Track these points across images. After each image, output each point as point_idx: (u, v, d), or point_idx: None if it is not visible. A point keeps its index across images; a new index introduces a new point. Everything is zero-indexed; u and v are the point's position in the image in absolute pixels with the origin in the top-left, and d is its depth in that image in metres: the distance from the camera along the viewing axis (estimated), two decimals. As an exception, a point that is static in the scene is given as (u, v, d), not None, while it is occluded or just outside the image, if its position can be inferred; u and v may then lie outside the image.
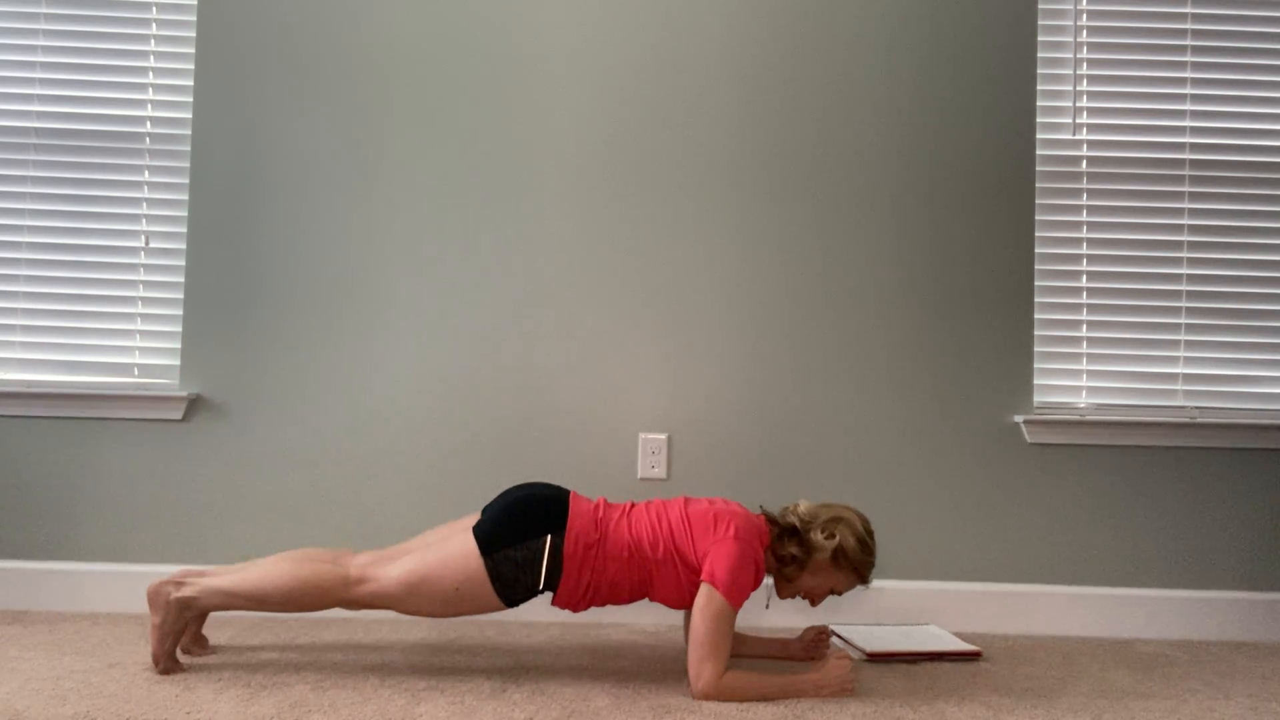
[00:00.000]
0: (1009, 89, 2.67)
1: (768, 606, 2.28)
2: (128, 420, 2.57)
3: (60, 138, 2.65)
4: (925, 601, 2.57)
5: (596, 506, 2.00)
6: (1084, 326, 2.68)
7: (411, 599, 1.92)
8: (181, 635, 1.99)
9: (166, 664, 1.94)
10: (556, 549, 1.91)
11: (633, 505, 2.03)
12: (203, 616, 2.09)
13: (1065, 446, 2.63)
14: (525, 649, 2.24)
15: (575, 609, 1.99)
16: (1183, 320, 2.70)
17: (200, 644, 2.10)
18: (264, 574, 1.94)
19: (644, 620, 2.55)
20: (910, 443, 2.62)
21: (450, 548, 1.93)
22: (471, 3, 2.65)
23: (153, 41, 2.68)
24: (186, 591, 1.93)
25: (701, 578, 1.88)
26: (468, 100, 2.64)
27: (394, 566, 1.94)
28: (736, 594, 1.85)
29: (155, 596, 1.94)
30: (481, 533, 1.94)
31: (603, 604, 1.98)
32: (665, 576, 1.94)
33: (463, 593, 1.91)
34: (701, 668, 1.83)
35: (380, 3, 2.65)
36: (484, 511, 2.02)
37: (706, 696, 1.83)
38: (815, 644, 2.17)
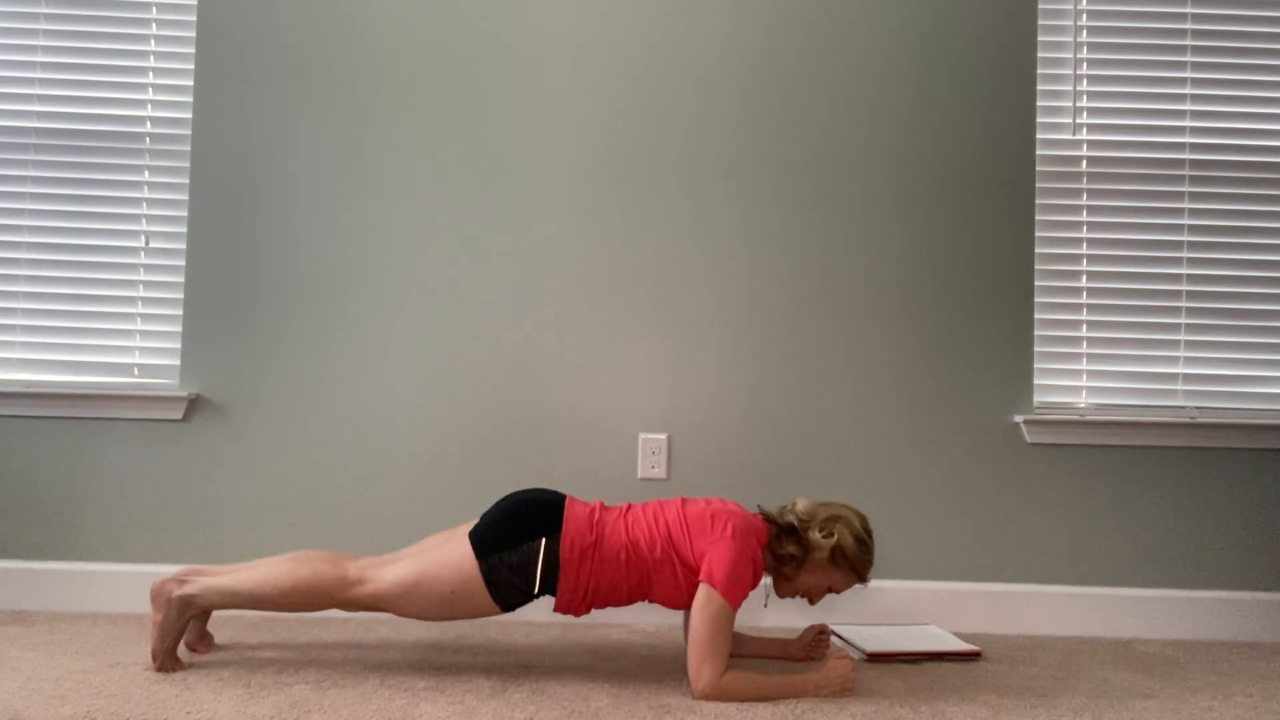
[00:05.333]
0: (1009, 89, 2.67)
1: (765, 605, 2.29)
2: (128, 420, 2.57)
3: (60, 138, 2.65)
4: (925, 601, 2.57)
5: (592, 510, 1.99)
6: (1084, 326, 2.68)
7: (408, 601, 1.93)
8: (182, 634, 1.99)
9: (164, 661, 1.94)
10: (551, 552, 1.91)
11: (630, 507, 2.03)
12: (206, 614, 2.09)
13: (1065, 446, 2.63)
14: (525, 649, 2.24)
15: (577, 613, 1.99)
16: (1183, 320, 2.70)
17: (205, 641, 2.11)
18: (264, 574, 1.96)
19: (644, 620, 2.55)
20: (910, 443, 2.62)
21: (446, 551, 1.94)
22: (471, 4, 2.65)
23: (153, 41, 2.68)
24: (188, 589, 1.95)
25: (699, 578, 1.88)
26: (467, 100, 2.64)
27: (391, 569, 1.95)
28: (735, 594, 1.85)
29: (157, 594, 1.96)
30: (476, 537, 1.94)
31: (603, 606, 1.98)
32: (664, 577, 1.94)
33: (459, 595, 1.91)
34: (701, 668, 1.83)
35: (380, 3, 2.65)
36: (482, 517, 2.02)
37: (706, 696, 1.83)
38: (815, 644, 2.17)
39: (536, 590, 1.93)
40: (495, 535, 1.94)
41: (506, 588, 1.92)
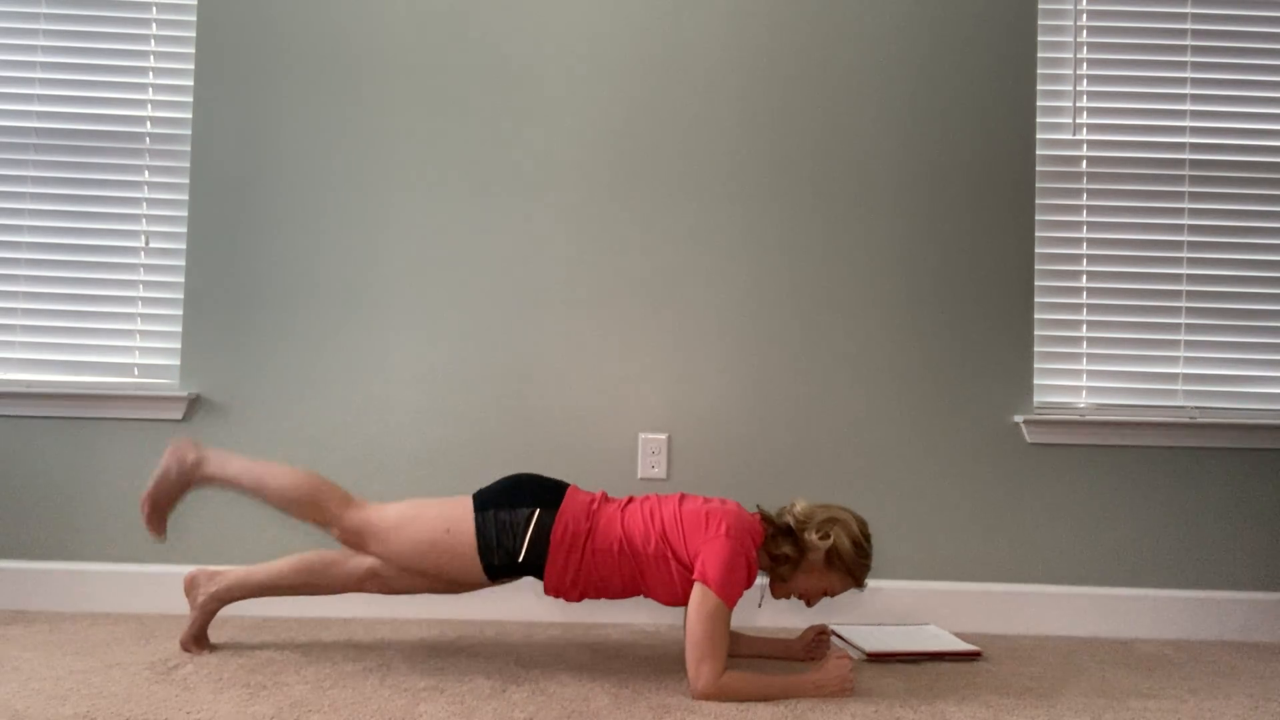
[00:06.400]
0: (1009, 89, 2.67)
1: (760, 605, 2.29)
2: (128, 420, 2.57)
3: (60, 138, 2.65)
4: (925, 601, 2.57)
5: (593, 499, 2.01)
6: (1084, 326, 2.68)
7: (399, 531, 1.98)
8: (175, 498, 2.07)
9: (150, 516, 2.06)
10: (543, 526, 1.94)
11: (630, 500, 2.04)
12: (209, 614, 2.10)
13: (1065, 446, 2.63)
14: (525, 649, 2.24)
15: (568, 598, 2.00)
16: (1183, 320, 2.70)
17: (201, 643, 2.11)
18: (277, 467, 2.05)
19: (644, 619, 2.55)
20: (910, 443, 2.62)
21: (447, 499, 2.03)
22: (472, 3, 2.65)
23: (153, 41, 2.68)
24: (201, 452, 2.06)
25: (694, 577, 1.88)
26: (469, 99, 2.64)
27: (394, 503, 2.04)
28: (730, 592, 1.86)
29: (175, 447, 2.07)
30: (478, 493, 2.03)
31: (596, 597, 2.00)
32: (658, 573, 1.94)
33: (452, 536, 1.95)
34: (700, 668, 1.83)
35: (380, 4, 2.65)
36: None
37: (706, 696, 1.83)
38: (815, 644, 2.17)
39: (522, 559, 1.94)
40: (495, 494, 2.01)
41: (495, 546, 1.95)
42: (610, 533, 1.95)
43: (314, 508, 2.01)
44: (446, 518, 1.97)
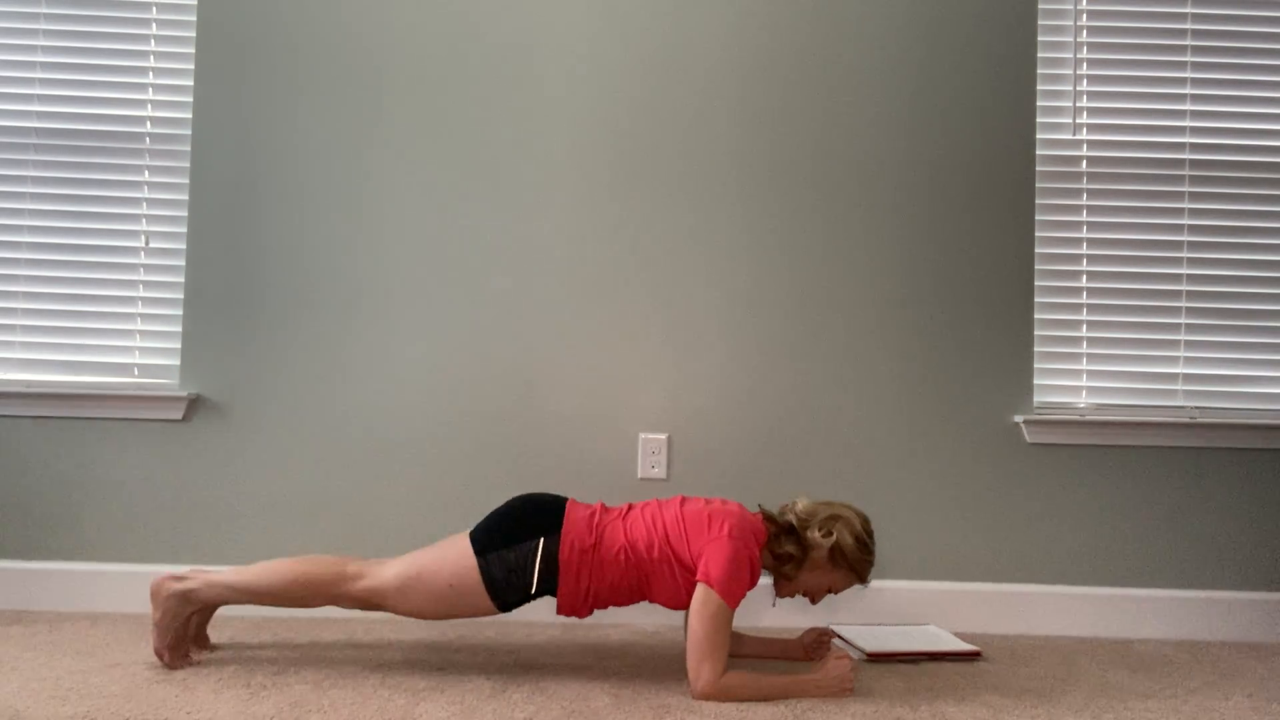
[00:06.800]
0: (1009, 89, 2.67)
1: (774, 605, 2.29)
2: (128, 420, 2.57)
3: (60, 138, 2.65)
4: (925, 601, 2.57)
5: (593, 512, 2.00)
6: (1084, 326, 2.68)
7: (405, 596, 1.94)
8: (186, 630, 2.01)
9: (171, 658, 1.96)
10: (550, 553, 1.92)
11: (630, 507, 2.03)
12: (207, 613, 2.10)
13: (1065, 446, 2.63)
14: (525, 649, 2.24)
15: (580, 614, 1.99)
16: (1183, 320, 2.70)
17: (201, 642, 2.11)
18: (265, 568, 1.99)
19: (644, 620, 2.55)
20: (910, 443, 2.62)
21: (446, 548, 1.97)
22: (472, 3, 2.65)
23: (153, 41, 2.68)
24: (186, 584, 1.97)
25: (697, 578, 1.88)
26: (469, 100, 2.64)
27: (391, 564, 1.98)
28: (732, 593, 1.85)
29: (156, 591, 1.97)
30: (476, 534, 1.96)
31: (605, 606, 1.99)
32: (662, 577, 1.94)
33: (457, 590, 1.92)
34: (700, 668, 1.83)
35: (381, 4, 2.65)
36: (484, 518, 2.03)
37: (706, 696, 1.83)
38: (816, 645, 2.17)
39: (534, 590, 1.93)
40: (494, 533, 1.95)
41: (504, 586, 1.92)
42: (614, 542, 1.94)
43: (316, 591, 1.96)
44: (449, 573, 1.93)
